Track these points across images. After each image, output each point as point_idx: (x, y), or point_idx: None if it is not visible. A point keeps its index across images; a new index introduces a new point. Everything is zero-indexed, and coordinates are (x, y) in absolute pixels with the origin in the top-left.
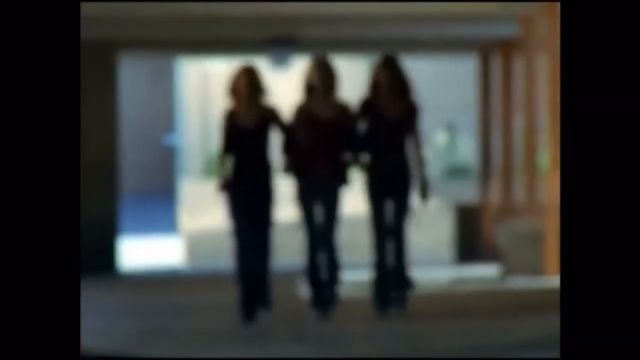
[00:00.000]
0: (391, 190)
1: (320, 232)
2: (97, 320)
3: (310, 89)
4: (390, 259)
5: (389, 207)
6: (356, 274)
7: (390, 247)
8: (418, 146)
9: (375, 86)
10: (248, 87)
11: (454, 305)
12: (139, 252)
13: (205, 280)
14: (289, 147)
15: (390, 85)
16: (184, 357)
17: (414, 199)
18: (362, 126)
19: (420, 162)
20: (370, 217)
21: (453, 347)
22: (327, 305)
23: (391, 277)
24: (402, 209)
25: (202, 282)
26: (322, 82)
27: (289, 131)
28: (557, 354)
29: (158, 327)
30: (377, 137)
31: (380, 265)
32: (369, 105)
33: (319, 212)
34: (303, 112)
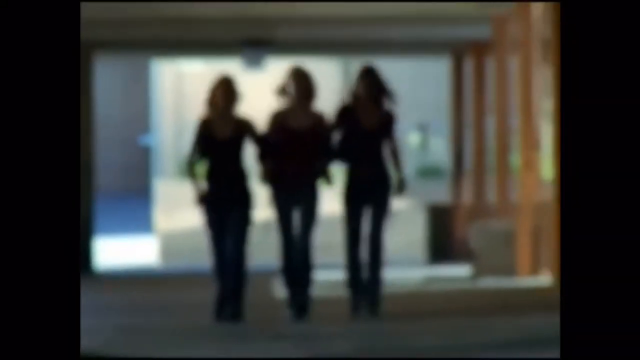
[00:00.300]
0: (369, 198)
1: (296, 238)
2: None
3: (287, 97)
4: (365, 269)
5: (366, 215)
6: (332, 274)
7: (365, 255)
8: (395, 153)
9: (354, 95)
10: (225, 98)
11: (427, 305)
12: (115, 251)
13: (180, 279)
14: (264, 156)
15: (368, 94)
16: (162, 356)
17: (391, 201)
18: (337, 134)
19: (398, 164)
20: (345, 224)
21: (429, 345)
22: (302, 307)
23: (365, 285)
24: (379, 218)
25: (177, 281)
26: (298, 91)
27: (263, 141)
28: (530, 354)
29: (134, 325)
30: (354, 145)
31: (353, 272)
32: (346, 113)
33: (294, 218)
34: (279, 120)
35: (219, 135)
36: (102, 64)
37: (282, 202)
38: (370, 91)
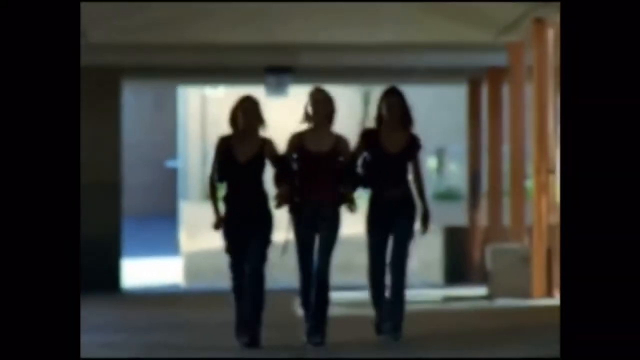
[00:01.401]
0: (393, 222)
1: (315, 266)
2: (102, 335)
3: (306, 119)
4: (388, 291)
5: (391, 241)
6: (351, 294)
7: (389, 281)
8: (419, 177)
9: (378, 118)
10: (245, 117)
11: (444, 324)
12: (141, 271)
13: (203, 298)
14: (281, 179)
15: (392, 117)
16: None
17: (414, 225)
18: (361, 158)
19: (422, 192)
20: (369, 248)
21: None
22: (314, 339)
23: (389, 308)
24: (403, 242)
25: (200, 300)
26: (316, 113)
27: (281, 163)
28: None
29: (159, 342)
30: (377, 169)
31: (377, 295)
32: (369, 136)
33: (312, 244)
34: (296, 142)
35: (239, 156)
36: (130, 90)
37: (302, 229)
38: (395, 113)
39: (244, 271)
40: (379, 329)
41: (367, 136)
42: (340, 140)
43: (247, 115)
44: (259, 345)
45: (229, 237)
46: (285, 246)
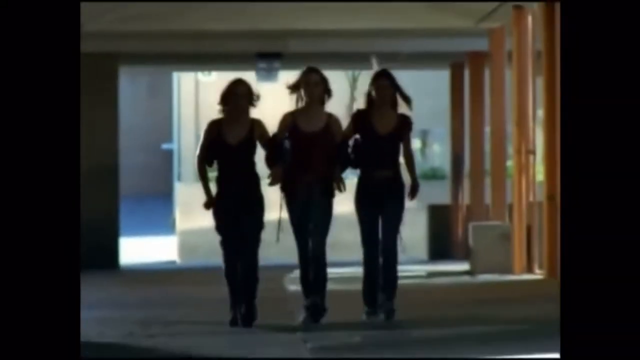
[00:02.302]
0: (383, 203)
1: (310, 245)
2: (100, 311)
3: (299, 98)
4: (380, 272)
5: (381, 221)
6: (341, 269)
7: (381, 260)
8: (409, 156)
9: (369, 99)
10: (237, 100)
11: (429, 297)
12: (138, 249)
13: (198, 275)
14: (274, 159)
15: (383, 98)
16: (178, 345)
17: (404, 205)
18: (352, 139)
19: (412, 169)
20: (361, 228)
21: (435, 333)
22: (317, 311)
23: (382, 286)
24: (394, 222)
25: (195, 277)
26: (310, 94)
27: (273, 144)
28: (525, 341)
29: (155, 317)
30: (368, 150)
31: (370, 277)
32: (361, 117)
33: (307, 223)
34: (289, 122)
35: (229, 138)
36: (126, 76)
37: (295, 208)
38: (385, 95)
39: (235, 252)
40: (370, 306)
41: (358, 117)
42: (332, 120)
43: (238, 98)
44: (253, 324)
45: (220, 218)
46: (280, 227)
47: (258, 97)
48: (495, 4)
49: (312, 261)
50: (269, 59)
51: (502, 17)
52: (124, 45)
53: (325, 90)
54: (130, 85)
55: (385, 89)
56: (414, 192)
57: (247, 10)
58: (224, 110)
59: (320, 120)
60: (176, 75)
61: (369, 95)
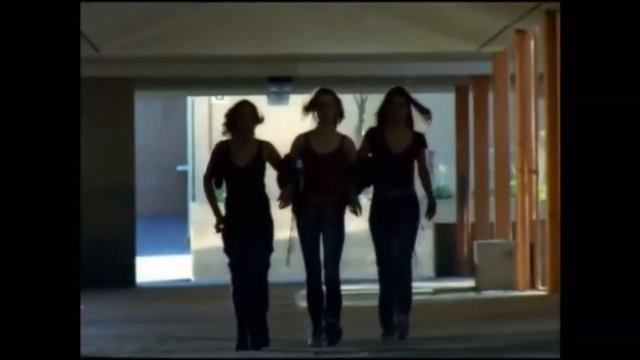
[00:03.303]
0: (397, 225)
1: (323, 266)
2: (118, 328)
3: (312, 119)
4: (396, 292)
5: (396, 240)
6: (354, 287)
7: (396, 278)
8: (425, 173)
9: (383, 117)
10: (243, 121)
11: (437, 314)
12: (154, 267)
13: (212, 291)
14: (285, 181)
15: (397, 117)
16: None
17: (419, 224)
18: (366, 157)
19: (428, 186)
20: (375, 248)
21: (440, 350)
22: (331, 337)
23: (396, 307)
24: (408, 241)
25: (209, 293)
26: (323, 115)
27: (285, 165)
28: (528, 355)
29: (170, 333)
30: (382, 169)
31: (386, 298)
32: (375, 136)
33: (317, 246)
34: (301, 143)
35: (237, 160)
36: (142, 99)
37: (306, 231)
38: (400, 112)
39: (244, 277)
40: (387, 328)
41: (371, 136)
42: (346, 141)
43: (244, 120)
44: (267, 345)
45: (228, 241)
46: (290, 249)
47: (262, 118)
48: (498, 28)
49: (326, 283)
50: (280, 82)
51: (505, 41)
52: (139, 69)
53: (338, 112)
54: (145, 108)
55: (400, 106)
56: (431, 212)
57: (259, 35)
58: (229, 133)
59: (333, 141)
60: (190, 98)
61: (381, 113)
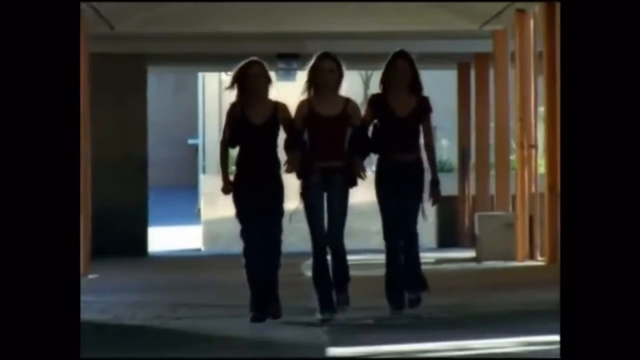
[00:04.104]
0: (402, 190)
1: (327, 233)
2: (131, 295)
3: (314, 84)
4: (403, 260)
5: (401, 207)
6: (359, 257)
7: (403, 247)
8: (429, 143)
9: (385, 81)
10: (255, 80)
11: (439, 283)
12: (166, 237)
13: (221, 261)
14: (292, 145)
15: (401, 79)
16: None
17: (423, 189)
18: (372, 124)
19: (432, 160)
20: (381, 212)
21: (443, 318)
22: (340, 305)
23: (406, 278)
24: (414, 210)
25: (218, 263)
26: (325, 80)
27: (292, 129)
28: (526, 322)
29: (182, 300)
30: (387, 134)
31: (393, 265)
32: (378, 101)
33: (324, 211)
34: (305, 108)
35: (253, 118)
36: (154, 75)
37: (312, 195)
38: (403, 77)
39: (255, 240)
40: (395, 303)
41: (374, 101)
42: (350, 104)
43: (255, 78)
44: (280, 315)
45: (240, 205)
46: (293, 213)
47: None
48: (499, 7)
49: (331, 252)
50: (287, 59)
51: (506, 20)
52: (152, 46)
53: (340, 77)
54: (158, 84)
55: (402, 71)
56: (435, 193)
57: (267, 13)
58: (240, 93)
59: (337, 105)
60: (201, 74)
61: (384, 79)
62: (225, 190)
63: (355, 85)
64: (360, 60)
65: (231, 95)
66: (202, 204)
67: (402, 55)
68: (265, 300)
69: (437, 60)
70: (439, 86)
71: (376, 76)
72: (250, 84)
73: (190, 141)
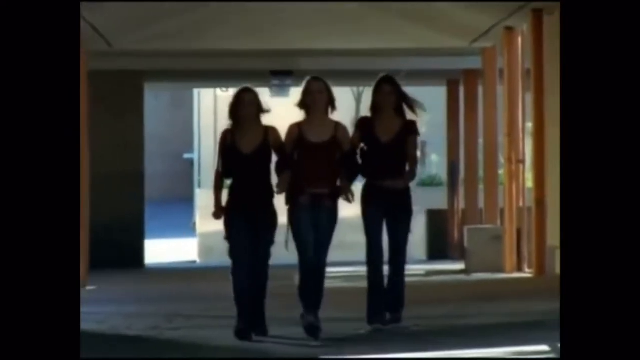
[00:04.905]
0: (388, 217)
1: (313, 256)
2: (128, 307)
3: (305, 106)
4: (387, 282)
5: (389, 234)
6: (348, 269)
7: (388, 270)
8: (411, 164)
9: (373, 106)
10: (246, 108)
11: (428, 294)
12: (162, 250)
13: (216, 273)
14: (283, 167)
15: (387, 104)
16: (198, 338)
17: (412, 215)
18: (356, 146)
19: (411, 171)
20: (367, 237)
21: (433, 329)
22: (314, 328)
23: (389, 300)
24: (402, 232)
25: (213, 275)
26: (315, 103)
27: (284, 152)
28: (514, 333)
29: (178, 311)
30: (372, 158)
31: (375, 288)
32: (365, 124)
33: (311, 235)
34: (295, 133)
35: (243, 147)
36: (151, 90)
37: (300, 218)
38: (388, 101)
39: (244, 267)
40: (374, 316)
41: (361, 125)
42: (339, 128)
43: (246, 106)
44: (266, 334)
45: (230, 230)
46: (288, 240)
47: (266, 109)
48: (488, 25)
49: (314, 272)
50: (281, 76)
51: (494, 38)
52: (149, 63)
53: (330, 100)
54: (155, 99)
55: (387, 95)
56: (406, 177)
57: (261, 31)
58: (233, 121)
59: (326, 129)
60: (196, 90)
61: (372, 102)
62: (216, 215)
63: (347, 102)
64: (352, 77)
65: (225, 112)
66: (198, 218)
67: (386, 80)
68: (251, 318)
69: (427, 76)
70: (428, 102)
71: (367, 92)
72: (241, 112)
73: (186, 156)
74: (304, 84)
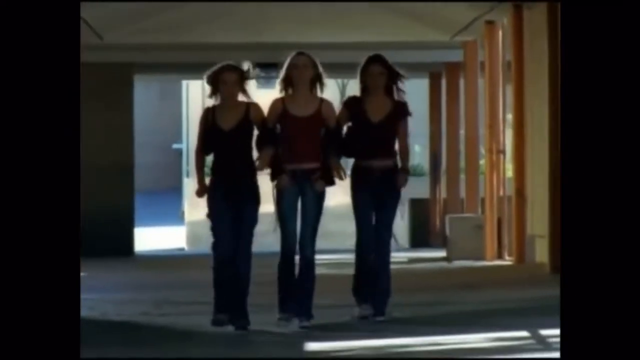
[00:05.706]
0: (376, 199)
1: (298, 236)
2: (118, 293)
3: (288, 85)
4: (374, 265)
5: (375, 215)
6: (334, 256)
7: (375, 252)
8: (402, 146)
9: (362, 86)
10: (226, 86)
11: (411, 281)
12: (151, 238)
13: (204, 260)
14: (263, 142)
15: (376, 85)
16: (188, 324)
17: (399, 196)
18: (346, 126)
19: (405, 159)
20: (355, 217)
21: (415, 315)
22: (301, 315)
23: (375, 289)
24: (388, 212)
25: (201, 262)
26: (299, 78)
27: (265, 128)
28: (494, 320)
29: (167, 298)
30: (361, 139)
31: (363, 272)
32: (354, 104)
33: (296, 212)
34: (279, 107)
35: (223, 124)
36: (140, 82)
37: (286, 196)
38: (378, 81)
39: (227, 245)
40: (358, 295)
41: (350, 104)
42: (324, 104)
43: (227, 84)
44: (247, 328)
45: (213, 209)
46: (275, 221)
47: (247, 76)
48: (469, 19)
49: (301, 257)
50: (267, 68)
51: (475, 32)
52: (138, 55)
53: (315, 75)
54: (144, 91)
55: (377, 76)
56: (400, 180)
57: (247, 25)
58: (214, 98)
59: (311, 104)
60: (185, 82)
61: (360, 82)
62: (199, 193)
63: (332, 93)
64: (337, 69)
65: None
66: (186, 206)
67: (375, 59)
68: (229, 307)
69: (410, 69)
70: (411, 94)
71: (352, 84)
72: (222, 90)
73: (175, 146)
74: (288, 58)
